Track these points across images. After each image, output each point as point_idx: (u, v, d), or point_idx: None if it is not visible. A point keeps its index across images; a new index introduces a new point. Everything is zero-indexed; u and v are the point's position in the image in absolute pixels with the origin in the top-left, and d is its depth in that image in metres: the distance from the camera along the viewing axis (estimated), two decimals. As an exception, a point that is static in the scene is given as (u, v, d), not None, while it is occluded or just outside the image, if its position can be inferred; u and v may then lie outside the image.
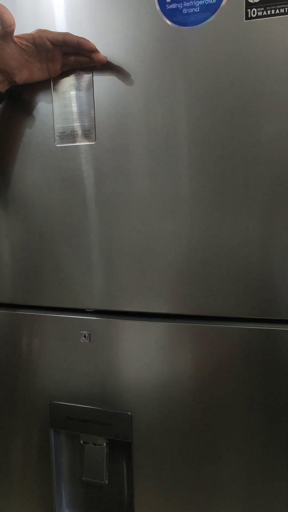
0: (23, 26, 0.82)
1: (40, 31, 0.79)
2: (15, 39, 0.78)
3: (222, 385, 0.80)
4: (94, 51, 0.78)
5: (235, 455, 0.81)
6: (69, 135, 0.84)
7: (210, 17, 0.73)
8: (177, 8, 0.74)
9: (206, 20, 0.73)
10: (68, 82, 0.83)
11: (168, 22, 0.75)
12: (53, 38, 0.79)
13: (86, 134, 0.83)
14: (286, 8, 0.70)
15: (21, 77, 0.82)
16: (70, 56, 0.81)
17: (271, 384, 0.77)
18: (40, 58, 0.81)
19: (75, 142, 0.84)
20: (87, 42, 0.78)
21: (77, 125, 0.84)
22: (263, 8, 0.70)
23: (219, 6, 0.72)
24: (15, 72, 0.81)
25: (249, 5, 0.71)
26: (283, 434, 0.78)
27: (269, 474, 0.79)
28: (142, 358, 0.85)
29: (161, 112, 0.78)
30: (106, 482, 0.91)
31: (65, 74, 0.83)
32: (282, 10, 0.70)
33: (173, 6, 0.75)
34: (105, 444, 0.91)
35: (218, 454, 0.82)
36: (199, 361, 0.81)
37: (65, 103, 0.84)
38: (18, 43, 0.78)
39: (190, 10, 0.74)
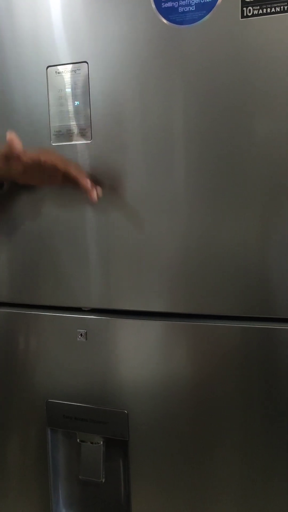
0: (21, 26, 0.82)
1: (47, 153, 0.80)
2: (22, 157, 0.78)
3: (220, 383, 0.80)
4: (87, 190, 0.80)
5: (233, 454, 0.81)
6: (65, 134, 0.84)
7: (205, 16, 0.73)
8: (172, 7, 0.74)
9: (202, 18, 0.73)
10: (64, 80, 0.83)
11: (164, 20, 0.75)
12: (56, 164, 0.80)
13: (82, 133, 0.83)
14: (282, 7, 0.70)
15: (23, 180, 0.83)
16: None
17: (269, 382, 0.77)
18: (40, 173, 0.81)
19: (71, 140, 0.84)
20: (85, 181, 0.80)
21: (73, 123, 0.83)
22: (258, 7, 0.70)
23: (215, 4, 0.72)
24: (18, 178, 0.82)
25: (245, 4, 0.71)
26: (281, 432, 0.78)
27: (268, 473, 0.80)
28: (139, 357, 0.85)
29: (157, 111, 0.78)
30: (103, 481, 0.91)
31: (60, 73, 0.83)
32: (278, 9, 0.70)
33: (169, 4, 0.74)
34: (101, 443, 0.91)
35: (216, 452, 0.82)
36: (197, 359, 0.81)
37: (61, 102, 0.84)
38: (24, 160, 0.78)
39: (186, 9, 0.74)
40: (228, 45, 0.73)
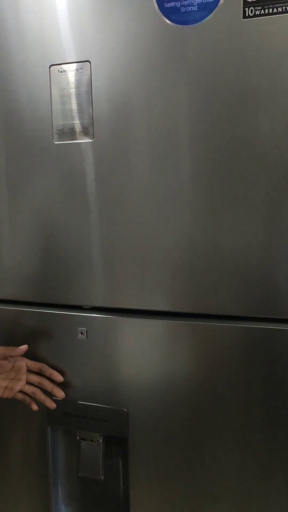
0: (27, 24, 0.82)
1: (22, 358, 0.89)
2: None
3: (220, 383, 0.80)
4: (57, 385, 0.90)
5: (233, 453, 0.81)
6: (68, 132, 0.85)
7: (208, 16, 0.73)
8: (175, 7, 0.75)
9: (204, 18, 0.74)
10: (67, 79, 0.84)
11: (166, 20, 0.75)
12: (32, 366, 0.90)
13: (85, 131, 0.84)
14: (283, 7, 0.70)
15: None
16: (36, 376, 0.90)
17: (271, 383, 0.77)
18: (7, 376, 0.88)
19: (74, 139, 0.85)
20: (57, 374, 0.89)
21: (75, 122, 0.84)
22: (260, 7, 0.71)
23: (217, 4, 0.73)
24: None
25: (246, 4, 0.71)
26: (281, 432, 0.77)
27: (268, 472, 0.79)
28: (140, 356, 0.85)
29: (160, 110, 0.78)
30: (102, 478, 0.91)
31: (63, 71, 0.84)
32: (280, 9, 0.70)
33: (171, 4, 0.75)
34: (101, 440, 0.91)
35: (216, 452, 0.82)
36: (197, 359, 0.81)
37: (63, 100, 0.84)
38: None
39: (188, 9, 0.74)
40: (230, 45, 0.73)
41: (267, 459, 0.79)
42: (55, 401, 0.91)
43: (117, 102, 0.80)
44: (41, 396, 0.90)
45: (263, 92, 0.72)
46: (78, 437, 0.92)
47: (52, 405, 0.90)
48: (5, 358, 0.87)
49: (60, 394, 0.89)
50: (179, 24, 0.75)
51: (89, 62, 0.81)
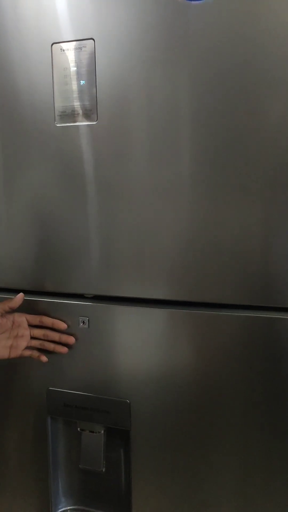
0: (25, 1, 0.79)
1: (20, 314, 0.88)
2: None
3: (222, 373, 0.80)
4: (63, 332, 0.88)
5: (234, 444, 0.80)
6: (70, 115, 0.82)
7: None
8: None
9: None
10: (69, 59, 0.81)
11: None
12: (31, 319, 0.88)
13: (87, 114, 0.81)
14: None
15: None
16: (38, 330, 0.89)
17: (272, 372, 0.77)
18: (10, 335, 0.87)
19: (76, 122, 0.82)
20: (60, 323, 0.88)
21: (77, 104, 0.81)
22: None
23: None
24: None
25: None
26: (283, 422, 0.77)
27: (269, 462, 0.79)
28: (141, 345, 0.84)
29: (165, 91, 0.76)
30: (103, 470, 0.91)
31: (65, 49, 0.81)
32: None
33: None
34: (102, 432, 0.90)
35: (217, 442, 0.81)
36: (199, 348, 0.81)
37: (65, 81, 0.81)
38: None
39: (196, -16, 0.71)
40: (237, 24, 0.70)
41: (269, 448, 0.78)
42: (54, 390, 0.89)
43: (122, 83, 0.78)
44: (49, 345, 0.88)
45: (271, 76, 0.70)
46: (78, 428, 0.92)
47: (64, 350, 0.88)
48: (2, 315, 0.86)
49: (70, 339, 0.87)
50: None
51: (93, 39, 0.79)
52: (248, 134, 0.73)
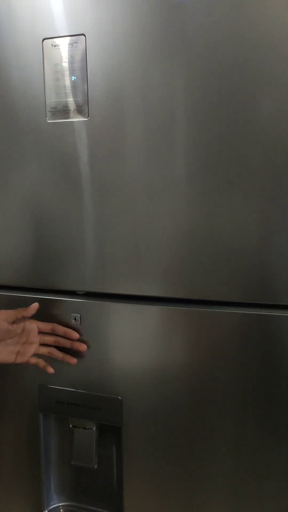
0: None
1: (31, 321, 0.86)
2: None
3: (216, 370, 0.79)
4: (77, 340, 0.87)
5: (228, 441, 0.80)
6: (61, 111, 0.82)
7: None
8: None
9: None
10: (61, 54, 0.80)
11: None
12: (43, 327, 0.87)
13: (79, 110, 0.81)
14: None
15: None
16: (49, 336, 0.87)
17: (268, 369, 0.77)
18: (18, 340, 0.85)
19: (68, 117, 0.82)
20: (72, 332, 0.86)
21: (69, 100, 0.81)
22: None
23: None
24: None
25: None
26: (280, 420, 0.77)
27: (261, 461, 0.79)
28: (134, 342, 0.84)
29: (158, 88, 0.76)
30: (96, 467, 0.91)
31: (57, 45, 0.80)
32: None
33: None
34: (94, 428, 0.90)
35: (211, 440, 0.81)
36: (193, 345, 0.81)
37: (57, 76, 0.81)
38: (7, 323, 0.83)
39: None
40: (232, 21, 0.70)
41: (264, 446, 0.78)
42: (46, 386, 0.88)
43: (114, 79, 0.78)
44: (58, 354, 0.87)
45: (266, 73, 0.70)
46: (71, 425, 0.92)
47: (73, 361, 0.87)
48: (14, 322, 0.84)
49: (82, 347, 0.86)
50: (179, -4, 0.72)
51: (84, 35, 0.78)
52: (244, 131, 0.72)
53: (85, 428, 0.90)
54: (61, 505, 0.97)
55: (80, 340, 0.87)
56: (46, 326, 0.87)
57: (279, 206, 0.73)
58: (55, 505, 0.97)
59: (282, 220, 0.73)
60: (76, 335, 0.86)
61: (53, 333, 0.87)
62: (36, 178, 0.87)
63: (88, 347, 0.87)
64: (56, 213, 0.86)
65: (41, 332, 0.87)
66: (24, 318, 0.85)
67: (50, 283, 0.89)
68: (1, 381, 0.96)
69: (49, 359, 0.88)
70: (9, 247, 0.91)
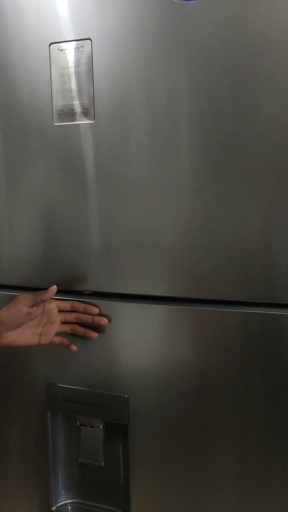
0: (24, 2, 0.80)
1: (50, 301, 0.86)
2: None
3: (221, 369, 0.80)
4: (98, 314, 0.86)
5: (233, 439, 0.81)
6: (68, 113, 0.83)
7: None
8: (179, -18, 0.72)
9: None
10: (67, 58, 0.81)
11: (170, -4, 0.73)
12: (62, 305, 0.87)
13: (85, 112, 0.82)
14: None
15: (6, 340, 0.83)
16: (70, 314, 0.87)
17: (271, 368, 0.77)
18: (40, 322, 0.85)
19: (74, 120, 0.83)
20: (92, 307, 0.86)
21: (76, 103, 0.82)
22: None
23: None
24: (3, 335, 0.82)
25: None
26: (281, 418, 0.77)
27: (266, 458, 0.79)
28: (140, 341, 0.85)
29: (162, 91, 0.77)
30: (102, 464, 0.91)
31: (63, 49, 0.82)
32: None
33: (175, -21, 0.72)
34: (101, 426, 0.90)
35: (215, 438, 0.82)
36: (198, 344, 0.81)
37: (63, 80, 0.82)
38: (28, 306, 0.82)
39: (192, -16, 0.72)
40: (235, 23, 0.71)
41: (267, 445, 0.79)
42: (53, 385, 0.89)
43: (119, 82, 0.79)
44: (80, 330, 0.87)
45: (268, 74, 0.70)
46: (78, 423, 0.92)
47: (94, 335, 0.86)
48: (33, 305, 0.83)
49: (103, 321, 0.85)
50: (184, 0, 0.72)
51: (90, 40, 0.79)
52: (247, 133, 0.73)
53: (92, 426, 0.91)
54: (69, 502, 0.97)
55: (100, 315, 0.87)
56: (65, 304, 0.87)
57: (283, 206, 0.73)
58: (63, 502, 0.97)
59: (286, 219, 0.73)
60: (96, 310, 0.86)
61: (73, 310, 0.87)
62: (43, 179, 0.87)
63: (95, 345, 0.87)
64: (62, 213, 0.87)
65: (61, 311, 0.87)
66: (43, 302, 0.84)
67: (57, 283, 0.88)
68: (9, 379, 0.96)
69: (59, 357, 0.89)
70: (17, 247, 0.92)
